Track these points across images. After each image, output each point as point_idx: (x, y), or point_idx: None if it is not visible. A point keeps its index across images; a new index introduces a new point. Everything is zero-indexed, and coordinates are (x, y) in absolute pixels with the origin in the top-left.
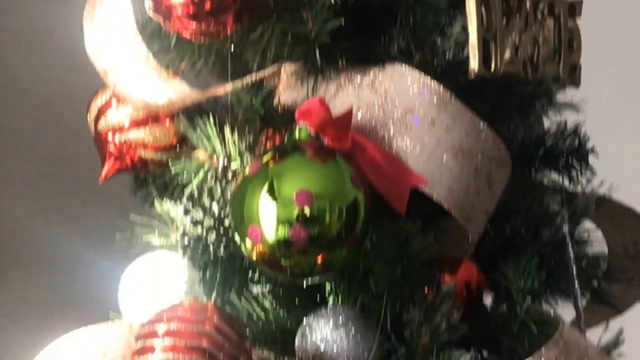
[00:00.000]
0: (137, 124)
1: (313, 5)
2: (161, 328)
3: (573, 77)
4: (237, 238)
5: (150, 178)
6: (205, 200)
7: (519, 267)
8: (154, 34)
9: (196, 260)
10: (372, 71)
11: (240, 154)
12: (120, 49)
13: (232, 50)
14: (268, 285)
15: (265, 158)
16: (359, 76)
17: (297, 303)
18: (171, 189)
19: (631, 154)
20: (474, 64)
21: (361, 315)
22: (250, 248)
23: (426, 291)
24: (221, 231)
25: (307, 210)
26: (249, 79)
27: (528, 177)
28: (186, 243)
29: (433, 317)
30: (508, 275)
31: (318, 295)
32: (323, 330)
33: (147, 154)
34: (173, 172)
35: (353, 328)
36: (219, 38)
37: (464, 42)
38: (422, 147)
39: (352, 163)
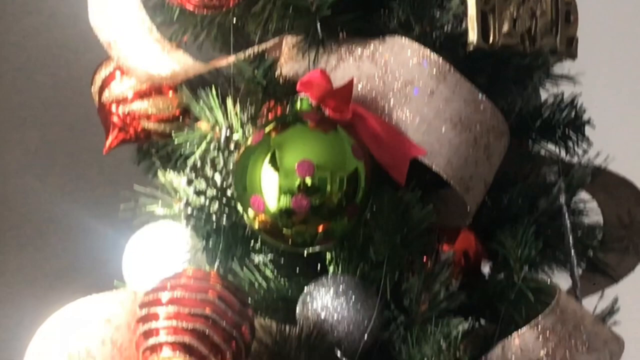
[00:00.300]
0: (140, 95)
1: None
2: (165, 296)
3: (570, 49)
4: (239, 208)
5: (154, 149)
6: (208, 171)
7: (516, 236)
8: (157, 7)
9: (199, 229)
10: (372, 43)
11: (243, 125)
12: (123, 21)
13: (234, 23)
14: (270, 254)
15: (267, 129)
16: (359, 48)
17: (298, 272)
18: (174, 159)
19: (626, 125)
20: (472, 36)
21: (361, 284)
22: (252, 217)
23: (425, 260)
24: (224, 201)
25: (308, 180)
26: (251, 51)
27: (525, 148)
28: (189, 213)
29: (432, 286)
30: (505, 245)
31: (319, 264)
32: (324, 299)
33: (151, 125)
34: (176, 143)
35: (353, 296)
36: (221, 11)
37: (462, 15)
38: (421, 118)
39: (353, 134)
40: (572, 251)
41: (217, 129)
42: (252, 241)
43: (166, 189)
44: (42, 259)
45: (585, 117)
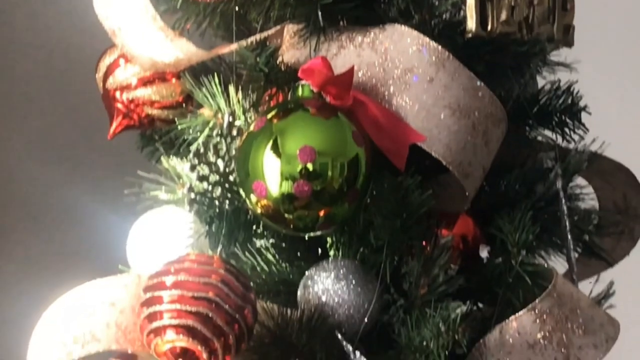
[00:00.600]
0: (144, 82)
1: None
2: (169, 280)
3: (567, 37)
4: (242, 193)
5: (157, 135)
6: (211, 157)
7: (513, 221)
8: None
9: (202, 214)
10: (372, 31)
11: (245, 112)
12: (127, 9)
13: (236, 10)
14: (271, 239)
15: (269, 115)
16: (359, 36)
17: (299, 256)
18: (177, 145)
19: (622, 111)
20: (470, 24)
21: (361, 268)
22: (254, 202)
23: (424, 244)
24: (226, 186)
25: (310, 166)
26: (253, 39)
27: (523, 134)
28: (192, 198)
29: (431, 270)
30: (503, 229)
31: (320, 249)
32: (325, 282)
33: (154, 112)
34: (179, 129)
35: (353, 280)
36: None
37: (461, 3)
38: (420, 105)
39: (354, 120)
40: (569, 235)
41: (219, 115)
42: (254, 226)
43: (169, 175)
44: (47, 244)
45: (582, 103)
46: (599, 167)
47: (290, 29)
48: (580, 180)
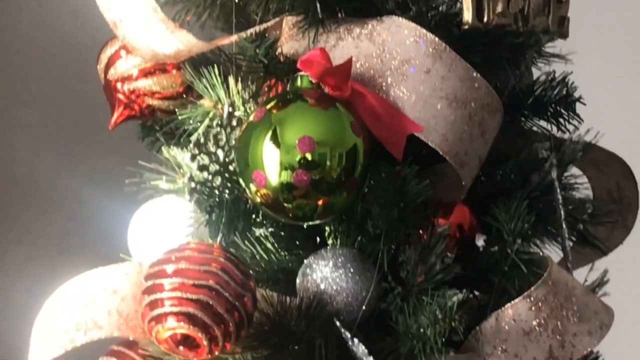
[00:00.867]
0: (145, 73)
1: None
2: (170, 268)
3: (562, 29)
4: (241, 182)
5: (158, 125)
6: (211, 147)
7: (509, 210)
8: None
9: (202, 203)
10: (370, 23)
11: (244, 103)
12: (129, 1)
13: (236, 2)
14: (271, 228)
15: (269, 106)
16: (357, 28)
17: (298, 245)
18: (178, 135)
19: (616, 102)
20: (467, 16)
21: (359, 256)
22: (254, 192)
23: (421, 233)
24: (226, 176)
25: (308, 156)
26: (252, 30)
27: (518, 124)
28: (193, 187)
29: (428, 258)
30: (499, 218)
31: (318, 237)
32: (323, 270)
33: (155, 102)
34: (179, 120)
35: (352, 268)
36: None
37: None
38: (418, 96)
39: (352, 111)
40: (563, 224)
41: (219, 106)
42: (254, 215)
43: (170, 164)
44: (49, 233)
45: (576, 94)
46: (593, 157)
47: (289, 20)
48: (574, 170)
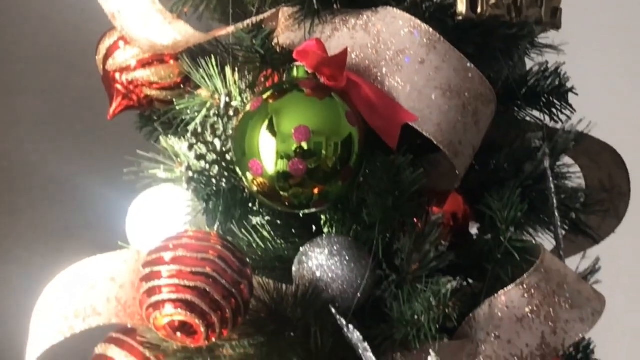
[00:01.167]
0: (143, 64)
1: None
2: (167, 255)
3: (554, 20)
4: (238, 171)
5: (156, 115)
6: (208, 136)
7: (502, 198)
8: None
9: (199, 192)
10: (365, 14)
11: (241, 93)
12: None
13: None
14: (267, 216)
15: (265, 96)
16: (353, 19)
17: (294, 233)
18: (175, 125)
19: (608, 92)
20: (461, 7)
21: (354, 244)
22: (251, 180)
23: (416, 221)
24: (223, 165)
25: (304, 145)
26: (249, 21)
27: (511, 114)
28: (190, 176)
29: (422, 246)
30: (492, 207)
31: (314, 226)
32: (319, 258)
33: (153, 93)
34: (177, 110)
35: (347, 256)
36: None
37: None
38: (412, 86)
39: (347, 100)
40: (556, 213)
41: (216, 96)
42: (251, 203)
43: (168, 154)
44: (50, 221)
45: (569, 85)
46: (586, 146)
47: (285, 12)
48: (567, 160)
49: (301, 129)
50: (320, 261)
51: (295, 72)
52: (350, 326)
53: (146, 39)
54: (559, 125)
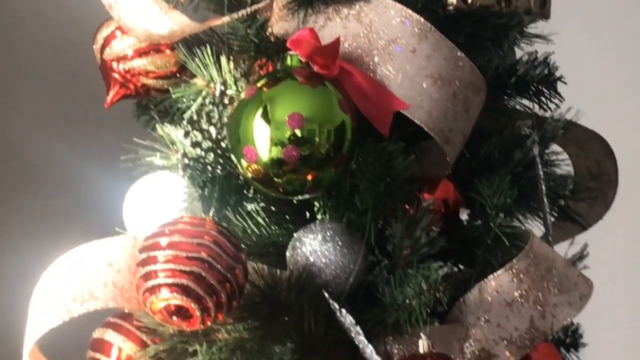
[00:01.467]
0: (139, 53)
1: None
2: (164, 241)
3: (543, 10)
4: (233, 158)
5: (152, 104)
6: (204, 124)
7: (492, 185)
8: None
9: (195, 179)
10: (358, 4)
11: (236, 81)
12: None
13: None
14: (262, 203)
15: (259, 84)
16: (345, 9)
17: (288, 219)
18: (172, 113)
19: (597, 81)
20: None
21: (347, 230)
22: (245, 167)
23: (407, 207)
24: (218, 152)
25: (298, 132)
26: (244, 11)
27: (501, 102)
28: (186, 163)
29: (413, 232)
30: (482, 193)
31: (308, 212)
32: (312, 244)
33: (149, 82)
34: (173, 98)
35: (340, 241)
36: None
37: None
38: (404, 74)
39: (340, 89)
40: (545, 200)
41: (212, 84)
42: (245, 190)
43: (164, 141)
44: (48, 207)
45: (558, 74)
46: (574, 134)
47: (279, 1)
48: (556, 147)
49: (295, 116)
50: (314, 247)
51: (289, 61)
52: (343, 310)
53: (143, 28)
54: (548, 114)
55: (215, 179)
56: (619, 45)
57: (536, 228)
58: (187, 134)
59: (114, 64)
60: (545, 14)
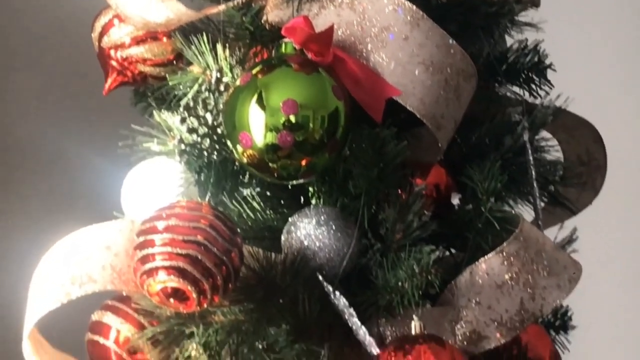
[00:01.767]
0: (137, 41)
1: None
2: (161, 224)
3: None
4: (229, 144)
5: (150, 91)
6: (200, 110)
7: (483, 170)
8: None
9: (192, 164)
10: None
11: (231, 68)
12: None
13: None
14: (257, 188)
15: (254, 71)
16: None
17: (283, 204)
18: (168, 100)
19: (586, 68)
20: None
21: (341, 214)
22: (241, 153)
23: (400, 192)
24: (214, 138)
25: (292, 118)
26: (239, 0)
27: (492, 89)
28: (182, 149)
29: (406, 216)
30: (474, 178)
31: (302, 197)
32: (307, 228)
33: (147, 69)
34: (170, 85)
35: (333, 226)
36: None
37: None
38: (396, 62)
39: (334, 75)
40: (535, 185)
41: (208, 72)
42: (241, 175)
43: (161, 128)
44: (47, 192)
45: (547, 61)
46: (564, 121)
47: None
48: (545, 134)
49: (289, 103)
50: (308, 231)
51: (283, 48)
52: (337, 293)
53: (140, 17)
54: (537, 101)
55: (211, 164)
56: (608, 33)
57: (526, 213)
58: (183, 121)
59: (112, 52)
60: (535, 3)
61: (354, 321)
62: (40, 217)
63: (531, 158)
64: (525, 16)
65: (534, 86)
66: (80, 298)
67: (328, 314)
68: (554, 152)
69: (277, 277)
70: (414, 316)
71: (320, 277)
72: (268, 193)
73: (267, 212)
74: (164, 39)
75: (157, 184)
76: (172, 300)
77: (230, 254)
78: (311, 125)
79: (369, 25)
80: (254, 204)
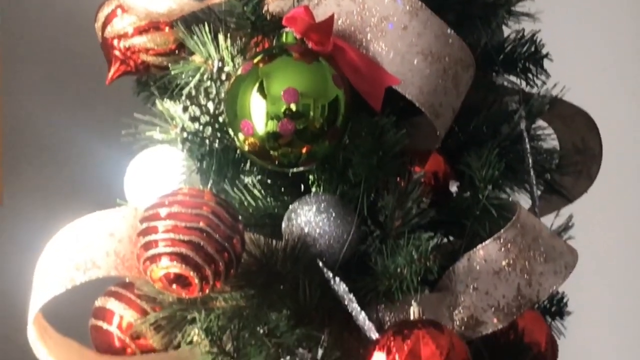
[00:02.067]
0: (139, 31)
1: None
2: (163, 211)
3: None
4: (230, 132)
5: (152, 80)
6: (202, 99)
7: (481, 158)
8: None
9: (194, 152)
10: None
11: (233, 58)
12: None
13: None
14: (258, 176)
15: (256, 60)
16: None
17: (284, 191)
18: (171, 89)
19: (582, 58)
20: None
21: (341, 202)
22: (242, 141)
23: (399, 180)
24: (216, 126)
25: (293, 106)
26: None
27: (489, 79)
28: (185, 137)
29: (405, 203)
30: (471, 166)
31: (302, 185)
32: (307, 215)
33: (149, 59)
34: (172, 75)
35: (333, 213)
36: None
37: None
38: (395, 51)
39: (334, 64)
40: (532, 173)
41: (209, 61)
42: (242, 163)
43: (163, 116)
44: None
45: (544, 51)
46: (560, 110)
47: None
48: (542, 123)
49: (290, 91)
50: (309, 218)
51: (284, 38)
52: (337, 279)
53: (143, 7)
54: (534, 90)
55: (213, 152)
56: (604, 23)
57: (523, 200)
58: (185, 109)
59: (115, 42)
60: None
61: (354, 307)
62: (44, 205)
63: (528, 146)
64: (522, 6)
65: (530, 75)
66: (84, 284)
67: (328, 300)
68: (550, 140)
69: (278, 264)
70: (412, 302)
71: (321, 264)
72: (269, 181)
73: (268, 199)
74: (167, 29)
75: (159, 171)
76: (174, 286)
77: (232, 241)
78: (312, 113)
79: (369, 15)
80: (255, 191)
